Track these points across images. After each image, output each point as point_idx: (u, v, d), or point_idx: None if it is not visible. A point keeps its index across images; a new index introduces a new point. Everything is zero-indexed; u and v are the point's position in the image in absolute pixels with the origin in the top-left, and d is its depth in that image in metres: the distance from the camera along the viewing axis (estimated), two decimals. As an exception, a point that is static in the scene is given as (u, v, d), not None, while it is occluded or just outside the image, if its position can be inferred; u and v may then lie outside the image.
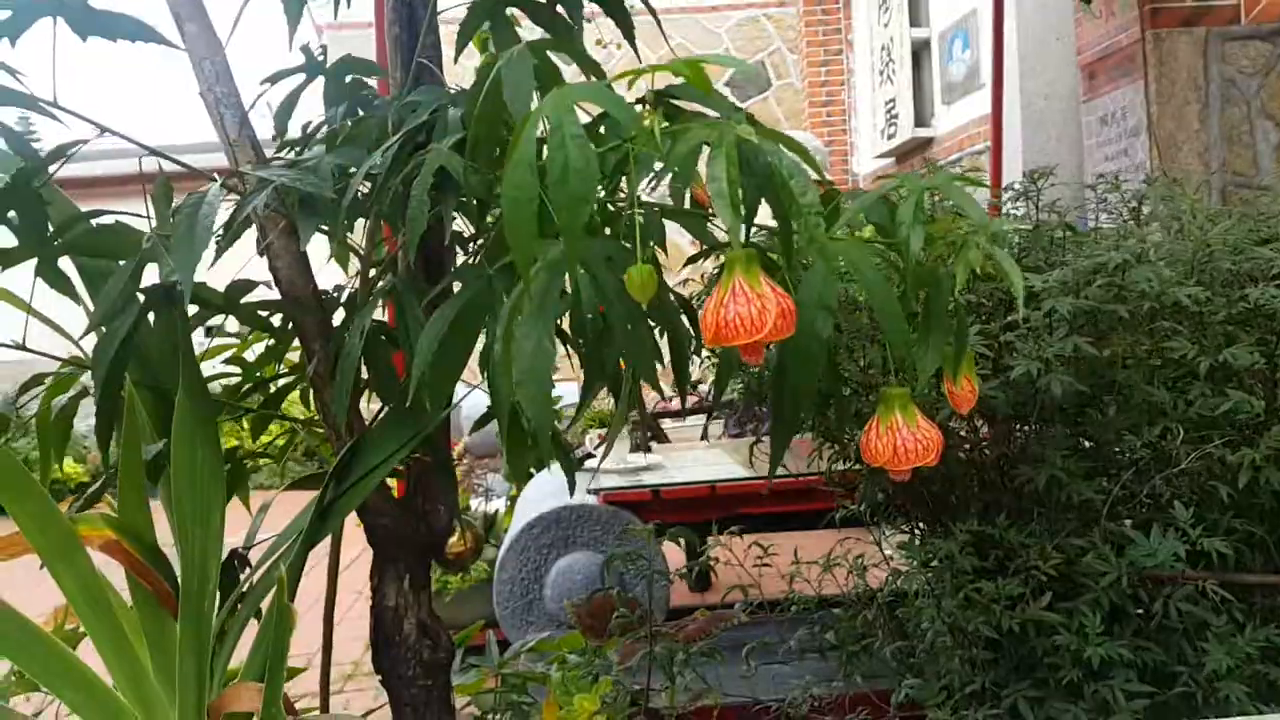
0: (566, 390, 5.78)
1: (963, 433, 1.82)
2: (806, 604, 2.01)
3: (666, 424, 4.50)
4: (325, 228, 1.25)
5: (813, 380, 0.94)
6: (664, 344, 1.13)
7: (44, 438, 1.42)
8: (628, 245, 0.92)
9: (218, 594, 1.23)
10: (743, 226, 0.78)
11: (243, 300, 1.38)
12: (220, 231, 1.17)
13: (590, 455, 3.47)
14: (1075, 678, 1.50)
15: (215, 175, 1.27)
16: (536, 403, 0.86)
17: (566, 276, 0.92)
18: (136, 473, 1.19)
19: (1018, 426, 1.76)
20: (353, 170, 1.18)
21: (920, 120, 6.86)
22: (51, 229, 1.27)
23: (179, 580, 1.20)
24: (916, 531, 1.91)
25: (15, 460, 1.15)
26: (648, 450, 3.68)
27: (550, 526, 3.06)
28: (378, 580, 1.53)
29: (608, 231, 1.00)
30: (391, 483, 1.55)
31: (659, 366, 1.04)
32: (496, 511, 4.16)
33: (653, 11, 1.41)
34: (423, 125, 1.15)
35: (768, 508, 3.12)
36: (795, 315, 0.86)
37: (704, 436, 4.50)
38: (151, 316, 1.26)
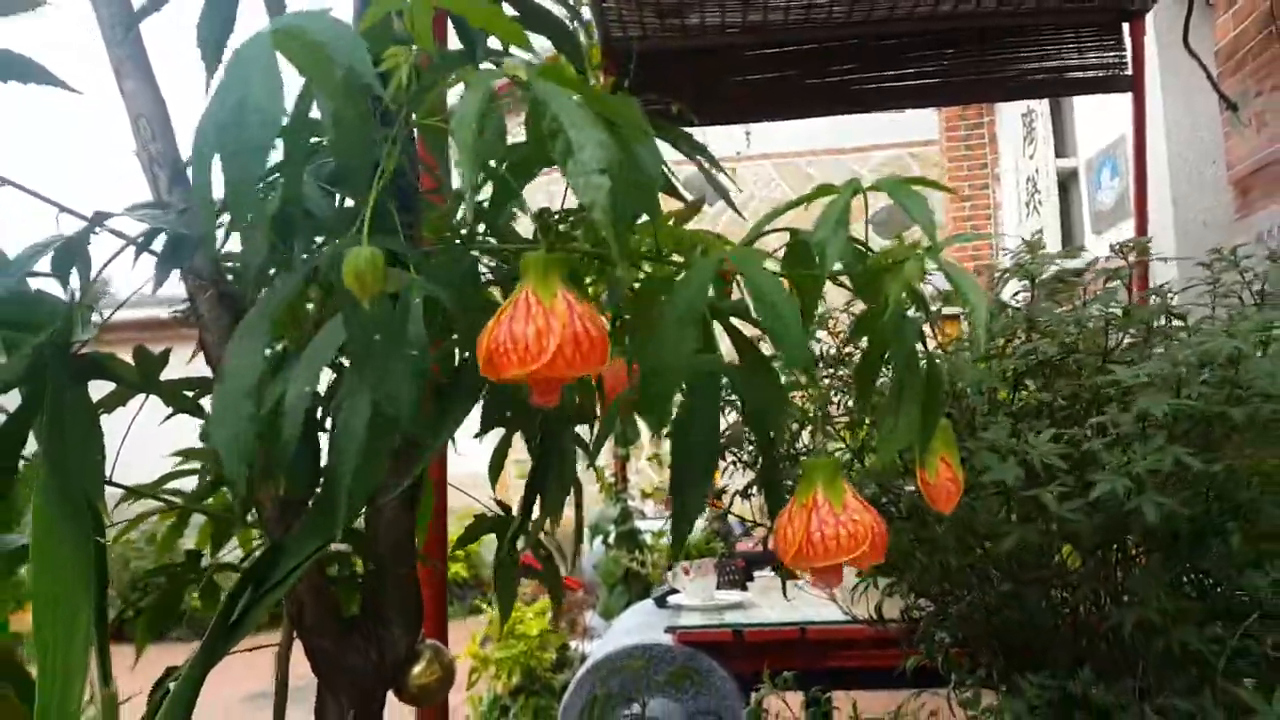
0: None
1: (1048, 565, 1.49)
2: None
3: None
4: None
5: (663, 407, 0.72)
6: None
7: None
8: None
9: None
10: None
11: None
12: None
13: (674, 591, 3.18)
14: None
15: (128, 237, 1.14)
16: (233, 447, 0.66)
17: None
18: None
19: (1118, 556, 1.42)
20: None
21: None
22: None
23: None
24: (1001, 688, 1.56)
25: None
26: (743, 587, 3.36)
27: (617, 669, 2.77)
28: (318, 717, 1.32)
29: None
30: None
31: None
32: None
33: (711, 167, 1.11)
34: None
35: (867, 657, 2.75)
36: (601, 343, 0.67)
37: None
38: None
